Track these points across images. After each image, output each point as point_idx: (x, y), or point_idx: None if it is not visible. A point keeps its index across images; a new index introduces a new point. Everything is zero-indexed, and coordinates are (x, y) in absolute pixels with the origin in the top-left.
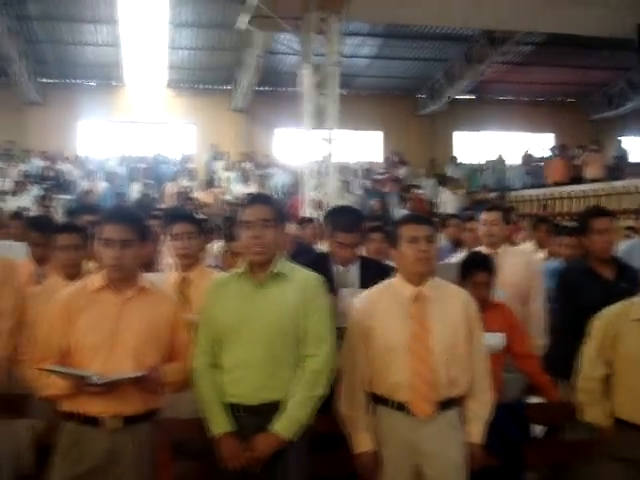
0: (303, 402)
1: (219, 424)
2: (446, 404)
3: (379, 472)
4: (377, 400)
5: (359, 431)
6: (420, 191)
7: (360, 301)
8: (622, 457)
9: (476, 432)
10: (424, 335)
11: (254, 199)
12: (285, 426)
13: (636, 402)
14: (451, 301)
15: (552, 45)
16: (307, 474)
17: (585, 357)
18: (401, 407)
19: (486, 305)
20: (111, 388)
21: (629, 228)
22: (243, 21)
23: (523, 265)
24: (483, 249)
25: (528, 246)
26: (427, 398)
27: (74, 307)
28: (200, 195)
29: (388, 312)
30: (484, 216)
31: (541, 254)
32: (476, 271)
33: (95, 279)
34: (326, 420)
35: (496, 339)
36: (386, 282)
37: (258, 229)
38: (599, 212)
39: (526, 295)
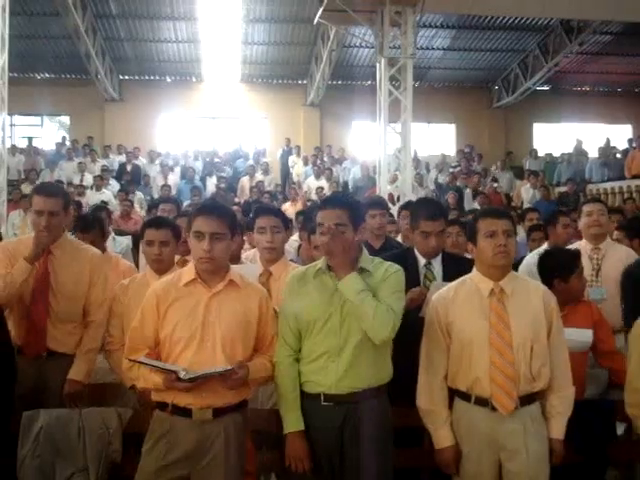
0: None
1: (292, 422)
2: (527, 398)
3: (460, 467)
4: (457, 395)
5: (440, 426)
6: (495, 184)
7: (439, 296)
8: None
9: (557, 427)
10: (504, 329)
11: (328, 201)
12: None
13: None
14: (530, 295)
15: (630, 34)
16: (386, 467)
17: (628, 370)
18: (482, 402)
19: (574, 302)
20: (198, 383)
21: None
22: (317, 15)
23: (625, 260)
24: (583, 244)
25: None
26: (508, 393)
27: (165, 300)
28: (287, 207)
29: (467, 307)
30: (589, 207)
31: None
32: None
33: (186, 272)
34: (406, 414)
35: (584, 335)
36: (465, 277)
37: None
38: None
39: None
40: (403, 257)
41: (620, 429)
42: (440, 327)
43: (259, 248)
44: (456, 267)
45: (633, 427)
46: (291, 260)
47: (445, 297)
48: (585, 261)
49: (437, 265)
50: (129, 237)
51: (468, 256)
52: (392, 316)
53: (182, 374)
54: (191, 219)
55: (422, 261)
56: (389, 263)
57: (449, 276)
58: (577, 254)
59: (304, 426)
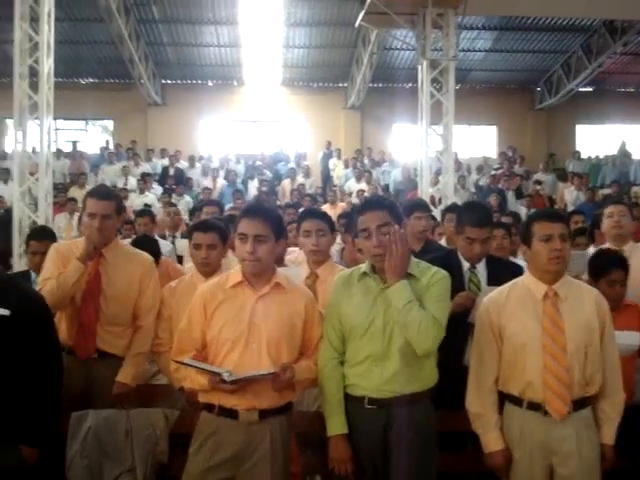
0: None
1: (336, 425)
2: (580, 403)
3: (511, 472)
4: (508, 399)
5: (490, 430)
6: (538, 187)
7: (490, 299)
8: None
9: (608, 433)
10: (557, 333)
11: (367, 205)
12: None
13: None
14: (583, 300)
15: None
16: (427, 472)
17: None
18: (535, 406)
19: (619, 305)
20: (243, 385)
21: None
22: (358, 19)
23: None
24: (608, 246)
25: None
26: (562, 397)
27: (212, 301)
28: (326, 210)
29: (519, 310)
30: (611, 209)
31: None
32: (612, 269)
33: (233, 274)
34: (450, 418)
35: (632, 338)
36: (517, 280)
37: (376, 235)
38: None
39: None
40: (447, 260)
41: None
42: (492, 330)
43: (305, 251)
44: (500, 271)
45: None
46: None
47: (497, 300)
48: None
49: (481, 269)
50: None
51: (517, 260)
52: (437, 328)
53: (226, 376)
54: (237, 221)
55: (466, 265)
56: (436, 268)
57: (493, 280)
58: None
59: (348, 429)
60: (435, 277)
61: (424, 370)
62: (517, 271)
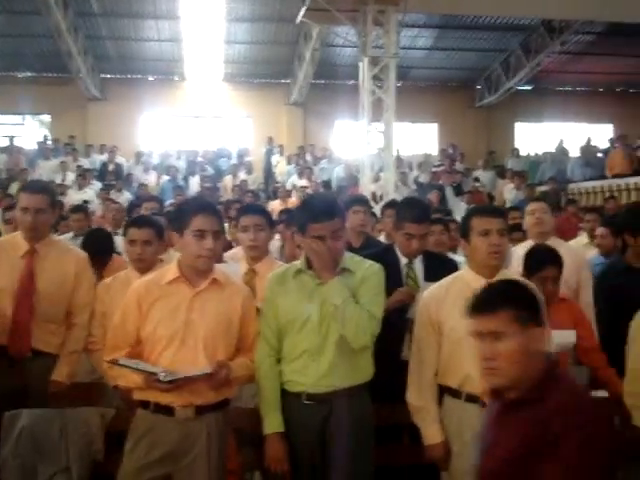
0: None
1: (272, 424)
2: None
3: (450, 464)
4: (447, 392)
5: (430, 422)
6: (477, 184)
7: (429, 294)
8: None
9: None
10: None
11: (324, 214)
12: None
13: None
14: None
15: (612, 34)
16: (366, 465)
17: (630, 358)
18: (473, 399)
19: (553, 300)
20: (179, 384)
21: None
22: (300, 15)
23: (571, 258)
24: (530, 242)
25: (582, 239)
26: None
27: (148, 298)
28: (276, 206)
29: (458, 304)
30: (532, 206)
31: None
32: (546, 266)
33: (169, 271)
34: (387, 412)
35: (568, 337)
36: (456, 274)
37: (333, 241)
38: None
39: (575, 288)
40: (384, 256)
41: None
42: (432, 324)
43: (243, 247)
44: (438, 266)
45: (632, 419)
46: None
47: (436, 294)
48: None
49: (418, 264)
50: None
51: (455, 256)
52: (373, 323)
53: (162, 376)
54: (185, 218)
55: (403, 260)
56: (370, 262)
57: (430, 275)
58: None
59: (284, 427)
60: (369, 270)
61: (360, 364)
62: (453, 266)
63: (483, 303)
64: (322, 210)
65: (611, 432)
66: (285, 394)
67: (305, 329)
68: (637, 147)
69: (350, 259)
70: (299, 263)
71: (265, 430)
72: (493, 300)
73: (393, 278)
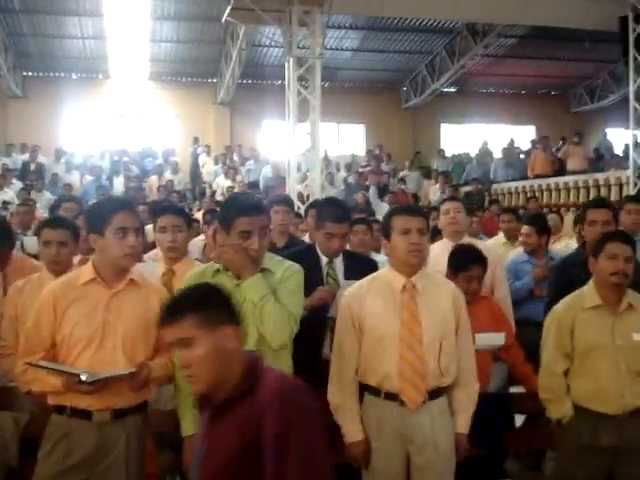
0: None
1: (189, 426)
2: (435, 393)
3: (370, 461)
4: (367, 390)
5: (350, 421)
6: (403, 186)
7: (350, 292)
8: (585, 444)
9: (462, 422)
10: (414, 325)
11: (250, 209)
12: None
13: (595, 390)
14: (440, 292)
15: (534, 38)
16: None
17: (545, 353)
18: (392, 397)
19: (475, 298)
20: (100, 385)
21: None
22: (225, 14)
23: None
24: (444, 242)
25: (500, 238)
26: (417, 388)
27: (63, 300)
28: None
29: (379, 302)
30: (446, 205)
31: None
32: (471, 265)
33: (85, 272)
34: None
35: (497, 339)
36: (377, 273)
37: (257, 238)
38: (596, 203)
39: (490, 285)
40: (305, 255)
41: (519, 421)
42: (353, 322)
43: (161, 247)
44: (358, 266)
45: (547, 412)
46: (196, 259)
47: (357, 293)
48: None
49: (339, 264)
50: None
51: (373, 256)
52: (291, 322)
53: (84, 377)
54: (105, 217)
55: (324, 260)
56: (289, 262)
57: (350, 274)
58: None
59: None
60: (289, 271)
61: (279, 363)
62: (373, 266)
63: (168, 313)
64: (251, 204)
65: (319, 421)
66: None
67: None
68: (558, 148)
69: (270, 259)
70: (218, 264)
71: (183, 432)
72: (176, 308)
73: (314, 277)
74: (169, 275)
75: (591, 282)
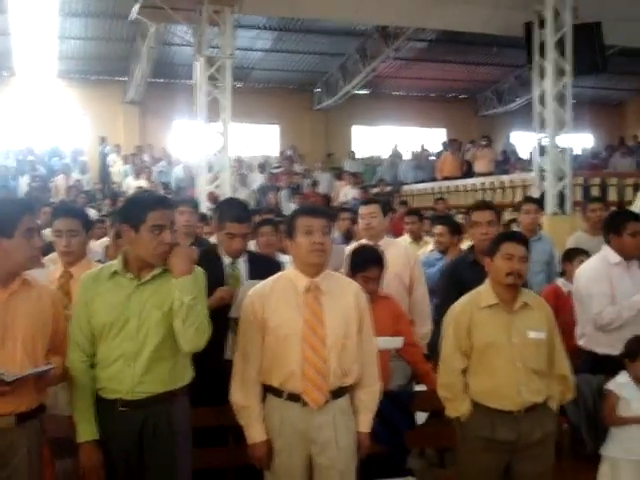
0: None
1: (85, 432)
2: (338, 392)
3: (272, 462)
4: (270, 391)
5: (253, 421)
6: (314, 187)
7: (254, 292)
8: (483, 439)
9: (365, 422)
10: (317, 325)
11: (161, 203)
12: None
13: (493, 388)
14: (343, 293)
15: (443, 42)
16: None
17: (443, 352)
18: (294, 397)
19: (374, 297)
20: (18, 385)
21: (512, 220)
22: (134, 11)
23: (403, 256)
24: (364, 242)
25: (406, 238)
26: (319, 388)
27: None
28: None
29: (282, 302)
30: (363, 210)
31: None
32: (368, 266)
33: None
34: (214, 413)
35: (395, 342)
36: (281, 273)
37: (170, 234)
38: (479, 205)
39: (409, 284)
40: (208, 256)
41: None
42: (256, 322)
43: (57, 251)
44: (261, 266)
45: (445, 412)
46: (98, 261)
47: (261, 292)
48: None
49: (242, 264)
50: None
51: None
52: (209, 327)
53: (5, 376)
54: (13, 219)
55: (227, 260)
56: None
57: (254, 275)
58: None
59: (100, 434)
60: (194, 272)
61: (178, 368)
62: (276, 266)
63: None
64: (159, 199)
65: None
66: (100, 401)
67: (122, 333)
68: (466, 151)
69: None
70: (115, 264)
71: (79, 438)
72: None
73: (215, 278)
74: (66, 278)
75: (487, 281)
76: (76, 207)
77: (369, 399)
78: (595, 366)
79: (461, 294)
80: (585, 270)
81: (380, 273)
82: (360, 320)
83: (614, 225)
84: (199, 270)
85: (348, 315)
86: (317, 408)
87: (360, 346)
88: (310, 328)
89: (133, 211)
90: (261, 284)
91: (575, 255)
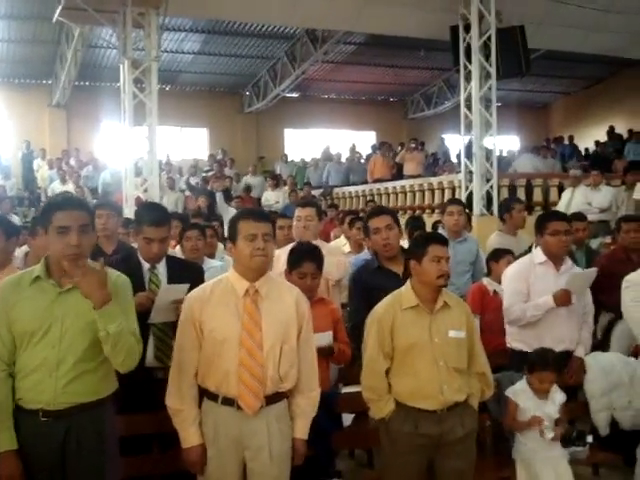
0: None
1: (4, 441)
2: (274, 397)
3: (205, 467)
4: (206, 395)
5: (188, 425)
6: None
7: (193, 295)
8: (406, 435)
9: (301, 428)
10: (255, 330)
11: (69, 203)
12: None
13: (416, 388)
14: (283, 297)
15: (372, 45)
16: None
17: (367, 354)
18: (229, 402)
19: (312, 294)
20: None
21: (438, 222)
22: (55, 13)
23: (332, 259)
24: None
25: (341, 241)
26: (255, 393)
27: None
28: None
29: (221, 306)
30: (298, 212)
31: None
32: (304, 261)
33: None
34: (140, 420)
35: (325, 338)
36: (222, 276)
37: (77, 236)
38: (376, 212)
39: (342, 287)
40: (127, 260)
41: (347, 421)
42: (194, 325)
43: None
44: (181, 271)
45: (369, 413)
46: (18, 268)
47: (200, 296)
48: None
49: (162, 269)
50: None
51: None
52: (140, 344)
53: None
54: None
55: (146, 265)
56: (116, 273)
57: (174, 280)
58: None
59: (22, 444)
60: (117, 283)
61: (103, 377)
62: (198, 271)
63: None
64: (67, 199)
65: None
66: (20, 411)
67: (43, 341)
68: (396, 153)
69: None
70: (37, 269)
71: None
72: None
73: (136, 283)
74: None
75: (408, 283)
76: None
77: (307, 405)
78: (520, 363)
79: (369, 299)
80: (509, 269)
81: (316, 269)
82: (300, 324)
83: (538, 226)
84: (123, 279)
85: (288, 319)
86: (252, 414)
87: (299, 351)
88: (247, 332)
89: (43, 212)
90: (201, 287)
91: (501, 255)
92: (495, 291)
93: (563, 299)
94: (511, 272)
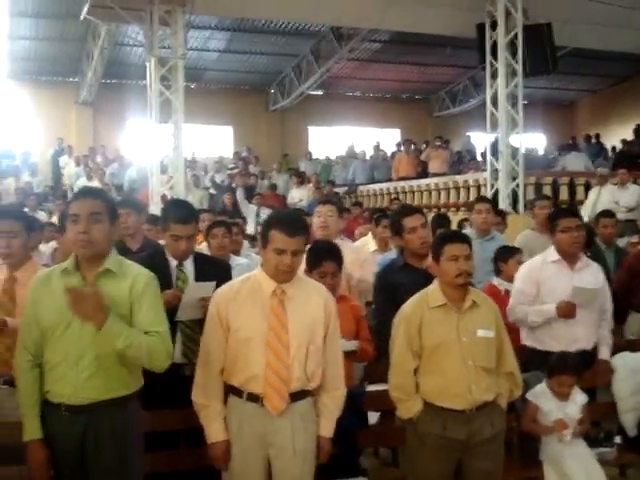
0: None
1: (31, 430)
2: (299, 395)
3: (230, 463)
4: (231, 391)
5: (213, 420)
6: (273, 191)
7: (220, 292)
8: (434, 437)
9: (327, 426)
10: (281, 331)
11: (82, 192)
12: None
13: (444, 387)
14: (311, 297)
15: (398, 43)
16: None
17: (395, 353)
18: (254, 399)
19: (333, 293)
20: None
21: (465, 220)
22: (83, 11)
23: (356, 257)
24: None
25: (367, 238)
26: (280, 393)
27: None
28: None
29: (248, 305)
30: (318, 209)
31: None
32: (323, 261)
33: None
34: (166, 416)
35: (350, 346)
36: (249, 275)
37: (85, 223)
38: (409, 211)
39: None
40: (154, 258)
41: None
42: (220, 322)
43: None
44: (208, 269)
45: (397, 412)
46: (45, 265)
47: (227, 293)
48: None
49: (189, 266)
50: None
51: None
52: (165, 343)
53: None
54: None
55: (173, 262)
56: (140, 269)
57: (202, 277)
58: None
59: (46, 434)
60: (141, 280)
61: (125, 375)
62: (225, 269)
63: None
64: (83, 189)
65: None
66: (47, 404)
67: (66, 335)
68: (421, 151)
69: (118, 263)
70: (66, 263)
71: (25, 437)
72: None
73: (163, 281)
74: (10, 282)
75: (435, 282)
76: (15, 208)
77: (333, 403)
78: (537, 363)
79: (394, 298)
80: (522, 267)
81: (336, 268)
82: (327, 325)
83: (550, 223)
84: (147, 277)
85: (315, 320)
86: (276, 414)
87: (325, 351)
88: (274, 334)
89: (67, 207)
90: (228, 284)
91: (509, 254)
92: (506, 291)
93: (566, 311)
94: (521, 272)
